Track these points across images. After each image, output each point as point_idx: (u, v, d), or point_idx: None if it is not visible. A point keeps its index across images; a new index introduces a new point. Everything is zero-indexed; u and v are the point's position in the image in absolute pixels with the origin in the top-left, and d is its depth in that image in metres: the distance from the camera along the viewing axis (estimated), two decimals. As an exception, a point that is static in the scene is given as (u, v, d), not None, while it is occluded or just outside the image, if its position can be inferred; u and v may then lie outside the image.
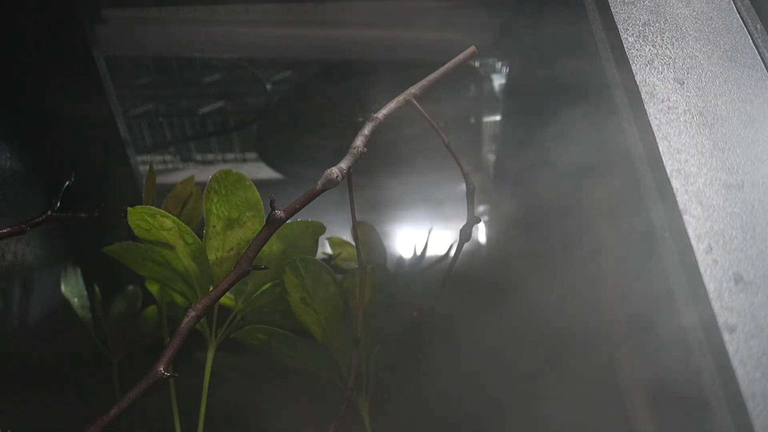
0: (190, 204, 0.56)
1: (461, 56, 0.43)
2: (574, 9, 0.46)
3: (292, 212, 0.38)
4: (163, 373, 0.35)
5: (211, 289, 0.46)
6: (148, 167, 0.55)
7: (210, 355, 0.48)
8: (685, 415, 0.32)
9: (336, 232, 0.65)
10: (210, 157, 0.96)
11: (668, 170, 0.32)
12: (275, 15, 0.64)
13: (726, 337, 0.27)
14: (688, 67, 0.37)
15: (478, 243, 0.80)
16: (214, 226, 0.45)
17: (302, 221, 0.47)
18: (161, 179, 0.60)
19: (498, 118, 0.80)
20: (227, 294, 0.45)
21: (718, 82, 0.36)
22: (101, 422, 0.34)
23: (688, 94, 0.36)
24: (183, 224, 0.45)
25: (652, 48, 0.38)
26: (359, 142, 0.39)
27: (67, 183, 0.51)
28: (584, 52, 0.44)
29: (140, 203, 0.45)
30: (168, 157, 0.95)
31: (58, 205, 0.49)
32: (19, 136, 0.60)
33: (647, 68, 0.37)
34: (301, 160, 0.82)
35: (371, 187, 0.80)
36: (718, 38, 0.39)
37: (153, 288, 0.58)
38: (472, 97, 0.78)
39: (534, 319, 0.53)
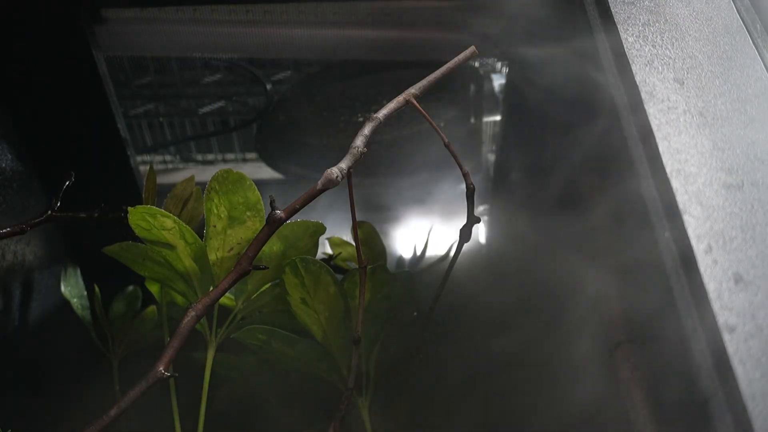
0: (190, 204, 0.55)
1: (461, 56, 0.43)
2: (573, 9, 0.46)
3: (292, 212, 0.38)
4: (163, 373, 0.35)
5: (211, 289, 0.46)
6: (148, 167, 0.55)
7: (210, 355, 0.48)
8: (685, 414, 0.32)
9: (336, 232, 0.65)
10: (210, 157, 0.96)
11: (668, 170, 0.32)
12: (275, 15, 0.64)
13: (726, 337, 0.27)
14: (688, 67, 0.37)
15: (479, 243, 0.80)
16: (215, 226, 0.45)
17: (302, 221, 0.47)
18: (161, 179, 0.60)
19: (498, 118, 0.80)
20: (227, 294, 0.45)
21: (718, 82, 0.36)
22: (101, 422, 0.34)
23: (688, 94, 0.36)
24: (183, 224, 0.45)
25: (652, 48, 0.38)
26: (359, 142, 0.39)
27: (67, 183, 0.51)
28: (584, 52, 0.44)
29: (140, 203, 0.45)
30: (168, 157, 0.95)
31: (58, 205, 0.49)
32: (19, 136, 0.60)
33: (647, 68, 0.37)
34: (301, 160, 0.82)
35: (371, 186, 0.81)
36: (718, 38, 0.39)
37: (153, 288, 0.58)
38: (472, 97, 0.77)
39: (533, 319, 0.53)
